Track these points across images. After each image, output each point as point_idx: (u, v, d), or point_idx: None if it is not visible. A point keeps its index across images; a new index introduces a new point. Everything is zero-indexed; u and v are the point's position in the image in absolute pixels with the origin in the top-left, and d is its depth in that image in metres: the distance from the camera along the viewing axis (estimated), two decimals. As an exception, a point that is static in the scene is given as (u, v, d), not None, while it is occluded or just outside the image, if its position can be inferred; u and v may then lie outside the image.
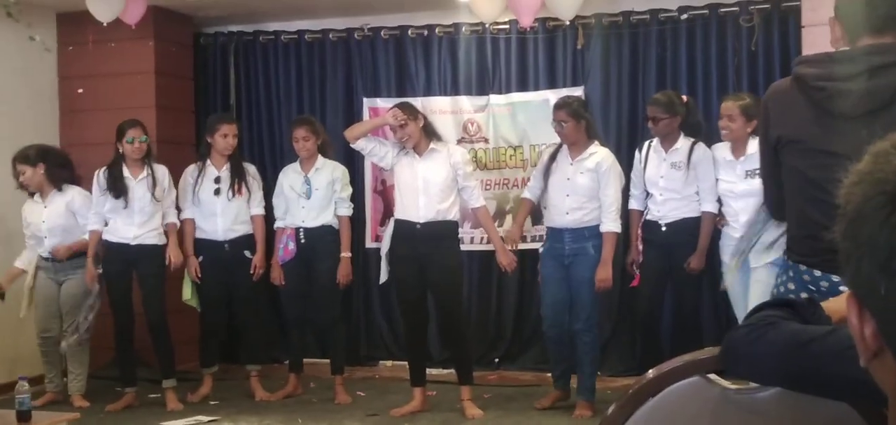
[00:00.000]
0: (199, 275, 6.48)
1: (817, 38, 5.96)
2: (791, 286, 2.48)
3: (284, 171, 6.63)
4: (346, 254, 6.45)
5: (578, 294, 5.81)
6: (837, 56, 2.44)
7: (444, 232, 5.88)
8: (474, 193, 6.00)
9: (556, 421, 5.84)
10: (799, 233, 2.46)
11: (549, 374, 6.38)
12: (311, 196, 6.42)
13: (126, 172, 6.26)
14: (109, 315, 6.42)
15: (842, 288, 2.36)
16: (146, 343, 6.51)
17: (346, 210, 6.51)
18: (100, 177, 6.28)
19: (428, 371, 6.35)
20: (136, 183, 6.26)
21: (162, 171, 6.38)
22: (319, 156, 6.49)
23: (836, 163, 2.52)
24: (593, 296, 5.83)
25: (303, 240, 6.43)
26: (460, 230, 6.24)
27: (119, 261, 6.28)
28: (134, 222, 6.25)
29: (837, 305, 1.50)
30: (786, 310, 1.48)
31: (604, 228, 5.75)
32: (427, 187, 5.84)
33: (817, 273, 2.42)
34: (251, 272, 6.50)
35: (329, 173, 6.47)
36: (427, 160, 5.90)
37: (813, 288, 2.41)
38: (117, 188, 6.22)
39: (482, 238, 7.24)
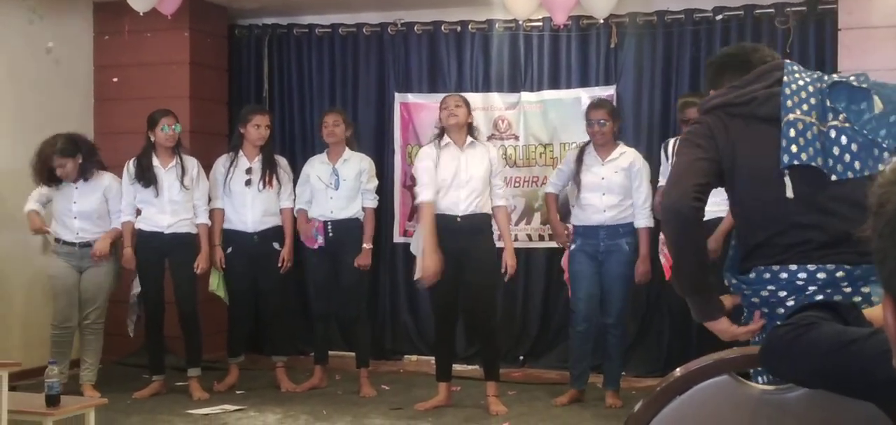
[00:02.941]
0: (224, 266, 6.52)
1: (853, 41, 5.91)
2: (771, 288, 2.54)
3: (310, 162, 6.64)
4: (367, 245, 6.47)
5: (612, 290, 5.98)
6: (742, 81, 2.67)
7: (482, 224, 5.93)
8: (500, 192, 6.01)
9: (579, 417, 5.82)
10: (761, 236, 2.56)
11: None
12: (339, 187, 6.44)
13: (155, 162, 6.31)
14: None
15: (819, 275, 2.45)
16: (173, 331, 6.56)
17: (372, 202, 6.53)
18: (130, 167, 6.32)
19: (454, 366, 6.35)
20: (166, 172, 6.31)
21: (191, 162, 6.41)
22: (346, 148, 6.51)
23: (773, 166, 2.64)
24: (626, 292, 6.03)
25: (331, 234, 6.45)
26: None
27: (152, 250, 6.32)
28: (166, 211, 6.30)
29: (879, 312, 1.49)
30: (827, 312, 1.47)
31: (640, 224, 5.95)
32: (470, 180, 5.88)
33: (793, 266, 2.50)
34: (278, 264, 6.53)
35: (357, 164, 6.49)
36: (468, 152, 5.94)
37: (799, 282, 2.49)
38: (147, 177, 6.27)
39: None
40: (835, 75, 2.61)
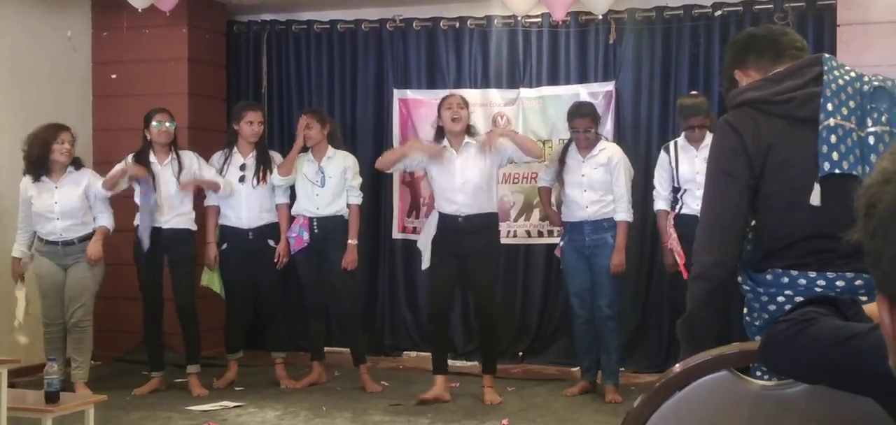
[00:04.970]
0: (214, 263, 6.53)
1: (852, 37, 5.91)
2: (788, 293, 2.47)
3: (299, 159, 6.61)
4: (352, 241, 6.47)
5: (601, 282, 6.09)
6: (776, 76, 2.54)
7: (484, 224, 6.03)
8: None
9: (578, 413, 5.82)
10: (786, 240, 2.48)
11: (573, 368, 6.63)
12: (325, 184, 6.45)
13: (152, 158, 6.31)
14: (137, 299, 6.46)
15: (838, 283, 2.39)
16: (171, 328, 6.55)
17: (357, 199, 6.54)
18: (128, 160, 6.32)
19: (452, 362, 6.39)
20: (162, 168, 6.31)
21: (189, 157, 6.41)
22: (329, 146, 6.52)
23: (810, 171, 2.55)
24: (616, 284, 6.13)
25: (316, 230, 6.46)
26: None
27: (150, 246, 6.32)
28: (162, 207, 6.30)
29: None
30: (827, 307, 1.47)
31: (618, 218, 6.08)
32: (465, 184, 5.97)
33: (812, 273, 2.44)
34: (274, 260, 6.53)
35: (341, 162, 6.51)
36: (463, 155, 6.01)
37: (818, 289, 2.43)
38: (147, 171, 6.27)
39: (509, 231, 7.24)
40: (876, 79, 2.49)
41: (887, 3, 5.93)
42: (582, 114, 6.14)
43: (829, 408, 1.43)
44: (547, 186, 6.48)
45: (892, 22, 5.88)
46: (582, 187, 6.10)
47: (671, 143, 6.14)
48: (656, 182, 6.18)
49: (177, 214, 6.34)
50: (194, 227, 6.42)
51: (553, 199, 6.48)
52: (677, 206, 6.04)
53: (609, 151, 6.17)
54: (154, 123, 6.27)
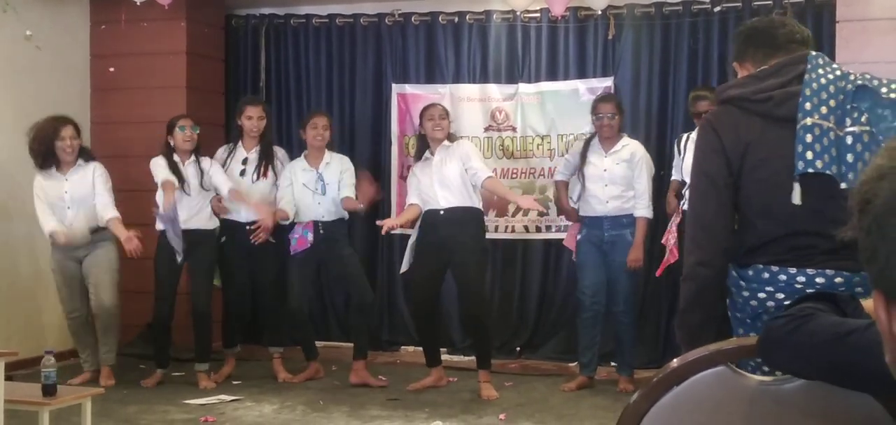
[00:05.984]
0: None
1: (851, 33, 5.91)
2: (769, 289, 2.50)
3: (292, 168, 6.54)
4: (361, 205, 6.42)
5: (618, 278, 6.15)
6: (761, 74, 2.57)
7: (465, 218, 6.04)
8: (479, 169, 6.04)
9: (576, 407, 5.82)
10: (766, 237, 2.51)
11: (571, 364, 6.65)
12: (325, 192, 6.42)
13: (176, 158, 6.32)
14: (140, 293, 6.45)
15: (818, 280, 2.41)
16: (175, 322, 6.55)
17: (352, 193, 6.49)
18: (160, 182, 6.28)
19: (451, 358, 6.40)
20: (185, 167, 6.31)
21: (206, 162, 6.42)
22: (326, 150, 6.51)
23: (786, 169, 2.57)
24: (633, 280, 6.22)
25: (321, 232, 6.44)
26: (484, 218, 6.38)
27: (172, 248, 6.28)
28: (183, 206, 6.25)
29: None
30: (825, 304, 1.47)
31: (638, 214, 6.11)
32: (443, 180, 6.02)
33: (792, 270, 2.46)
34: (274, 256, 6.49)
35: (338, 166, 6.49)
36: (440, 154, 6.10)
37: (798, 285, 2.45)
38: (177, 174, 6.25)
39: (507, 226, 7.24)
40: (862, 78, 2.49)
41: (886, 1, 5.92)
42: (607, 100, 6.22)
43: (826, 404, 1.43)
44: (564, 180, 6.45)
45: (891, 19, 5.87)
46: (603, 182, 6.13)
47: (683, 136, 6.16)
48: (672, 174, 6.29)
49: (197, 212, 6.34)
50: (215, 224, 6.44)
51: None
52: (683, 203, 6.01)
53: (632, 147, 6.19)
54: (178, 129, 6.30)
